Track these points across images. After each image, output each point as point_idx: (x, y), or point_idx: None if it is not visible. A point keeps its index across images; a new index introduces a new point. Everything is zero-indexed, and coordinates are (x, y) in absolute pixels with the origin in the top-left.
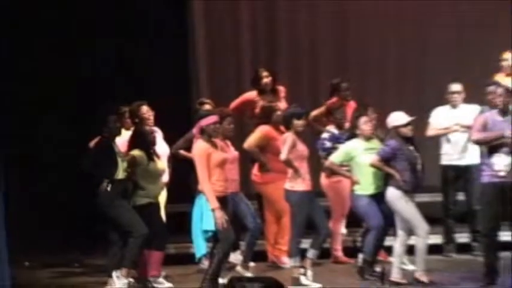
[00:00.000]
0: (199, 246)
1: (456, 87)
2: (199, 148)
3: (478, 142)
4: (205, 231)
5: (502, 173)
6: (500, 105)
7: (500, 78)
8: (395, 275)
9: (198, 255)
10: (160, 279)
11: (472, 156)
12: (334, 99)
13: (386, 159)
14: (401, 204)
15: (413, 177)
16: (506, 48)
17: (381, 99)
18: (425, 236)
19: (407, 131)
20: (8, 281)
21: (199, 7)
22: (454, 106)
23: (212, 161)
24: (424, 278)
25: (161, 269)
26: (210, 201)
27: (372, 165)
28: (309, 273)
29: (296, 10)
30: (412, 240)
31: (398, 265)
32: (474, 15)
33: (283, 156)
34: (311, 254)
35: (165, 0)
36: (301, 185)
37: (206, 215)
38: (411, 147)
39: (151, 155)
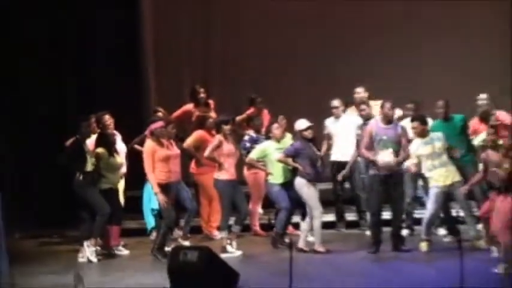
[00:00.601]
0: (149, 222)
1: (335, 102)
2: (147, 146)
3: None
4: (152, 210)
5: (383, 168)
6: (387, 115)
7: (352, 110)
8: (301, 244)
9: (148, 228)
10: (120, 247)
11: (352, 154)
12: (252, 110)
13: (292, 156)
14: (305, 190)
15: (314, 170)
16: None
17: (291, 107)
18: (320, 216)
19: (308, 134)
20: (5, 250)
21: (149, 38)
22: (337, 118)
23: (157, 156)
24: (321, 248)
25: (120, 240)
26: (153, 187)
27: (279, 161)
28: (234, 243)
29: (227, 42)
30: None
31: (304, 237)
32: (378, 22)
33: (206, 153)
34: (235, 228)
35: (118, 27)
36: (226, 175)
37: (153, 198)
38: (313, 147)
39: (112, 152)
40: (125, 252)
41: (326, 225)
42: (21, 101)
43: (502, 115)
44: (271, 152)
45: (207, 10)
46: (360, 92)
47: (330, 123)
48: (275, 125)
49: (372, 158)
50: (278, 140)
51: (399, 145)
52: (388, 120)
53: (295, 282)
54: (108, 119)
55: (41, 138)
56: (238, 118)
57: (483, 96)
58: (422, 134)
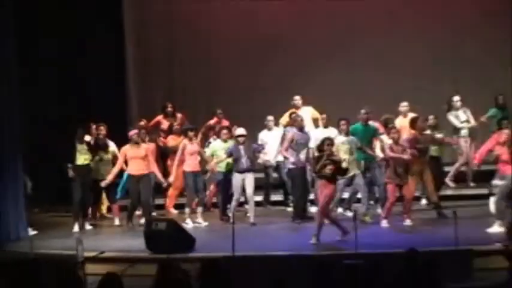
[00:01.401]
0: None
1: (270, 117)
2: (122, 148)
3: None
4: (122, 192)
5: (296, 163)
6: (300, 125)
7: (284, 118)
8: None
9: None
10: (116, 220)
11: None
12: (215, 119)
13: (230, 154)
14: (237, 179)
15: (247, 163)
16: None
17: (235, 115)
18: (252, 198)
19: (240, 140)
20: (26, 221)
21: (133, 56)
22: (269, 129)
23: (128, 155)
24: (253, 220)
25: (120, 213)
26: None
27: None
28: (198, 218)
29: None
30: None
31: (251, 214)
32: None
33: (178, 155)
34: (199, 209)
35: (103, 42)
36: (189, 167)
37: (123, 184)
38: (242, 149)
39: (103, 153)
40: (117, 222)
41: (259, 204)
42: (36, 105)
43: (400, 121)
44: (218, 150)
45: (177, 36)
46: (297, 99)
47: (263, 135)
48: (224, 131)
49: (288, 156)
50: (225, 141)
51: (307, 146)
52: (301, 128)
53: (236, 245)
54: (103, 128)
55: (50, 137)
56: (205, 125)
57: (404, 103)
58: (348, 131)
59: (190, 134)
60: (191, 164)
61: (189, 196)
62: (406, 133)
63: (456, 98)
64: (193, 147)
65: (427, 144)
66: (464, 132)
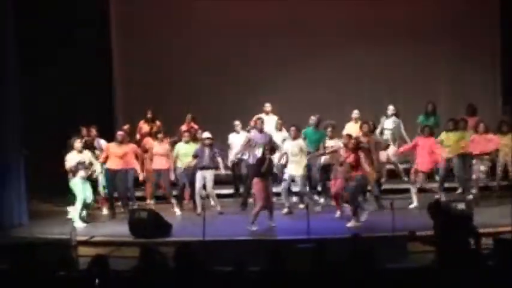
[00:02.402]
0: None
1: (237, 122)
2: (107, 144)
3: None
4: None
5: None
6: (260, 127)
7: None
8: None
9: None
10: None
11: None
12: (185, 124)
13: (196, 155)
14: (199, 174)
15: (207, 161)
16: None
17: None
18: (212, 192)
19: (206, 141)
20: (27, 209)
21: (118, 71)
22: (237, 133)
23: (111, 152)
24: (220, 209)
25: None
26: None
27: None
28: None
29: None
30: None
31: (216, 204)
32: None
33: (154, 152)
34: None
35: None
36: (156, 166)
37: (104, 178)
38: (207, 150)
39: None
40: (105, 212)
41: (224, 196)
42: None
43: (350, 126)
44: (181, 149)
45: (160, 41)
46: (266, 106)
47: (232, 137)
48: (185, 134)
49: (243, 157)
50: (187, 142)
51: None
52: (260, 130)
53: (206, 231)
54: (92, 129)
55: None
56: (179, 130)
57: (356, 111)
58: (295, 136)
59: (160, 136)
60: (158, 163)
61: (148, 189)
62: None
63: (390, 108)
64: (161, 148)
65: (371, 145)
66: (385, 137)
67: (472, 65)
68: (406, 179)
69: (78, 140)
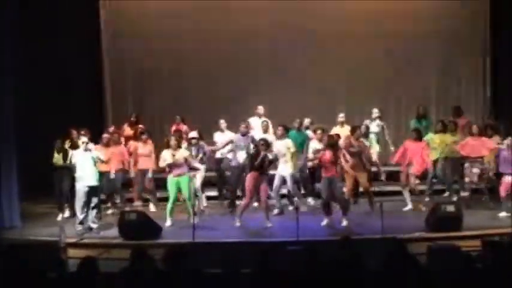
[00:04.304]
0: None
1: (222, 121)
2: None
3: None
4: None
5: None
6: (242, 131)
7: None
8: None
9: None
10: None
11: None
12: (174, 126)
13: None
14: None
15: (198, 161)
16: None
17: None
18: (199, 190)
19: (192, 141)
20: (18, 211)
21: (108, 67)
22: (222, 131)
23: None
24: (202, 208)
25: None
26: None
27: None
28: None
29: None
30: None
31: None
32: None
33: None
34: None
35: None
36: (141, 166)
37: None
38: (199, 149)
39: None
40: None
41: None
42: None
43: (336, 130)
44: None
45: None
46: (259, 108)
47: (217, 135)
48: (172, 143)
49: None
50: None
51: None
52: (243, 133)
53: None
54: (83, 132)
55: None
56: (171, 133)
57: (342, 114)
58: (282, 137)
59: (144, 137)
60: (142, 163)
61: (135, 191)
62: (342, 139)
63: (375, 111)
64: (145, 149)
65: (360, 149)
66: (369, 139)
67: (461, 69)
68: (384, 179)
69: (63, 141)
